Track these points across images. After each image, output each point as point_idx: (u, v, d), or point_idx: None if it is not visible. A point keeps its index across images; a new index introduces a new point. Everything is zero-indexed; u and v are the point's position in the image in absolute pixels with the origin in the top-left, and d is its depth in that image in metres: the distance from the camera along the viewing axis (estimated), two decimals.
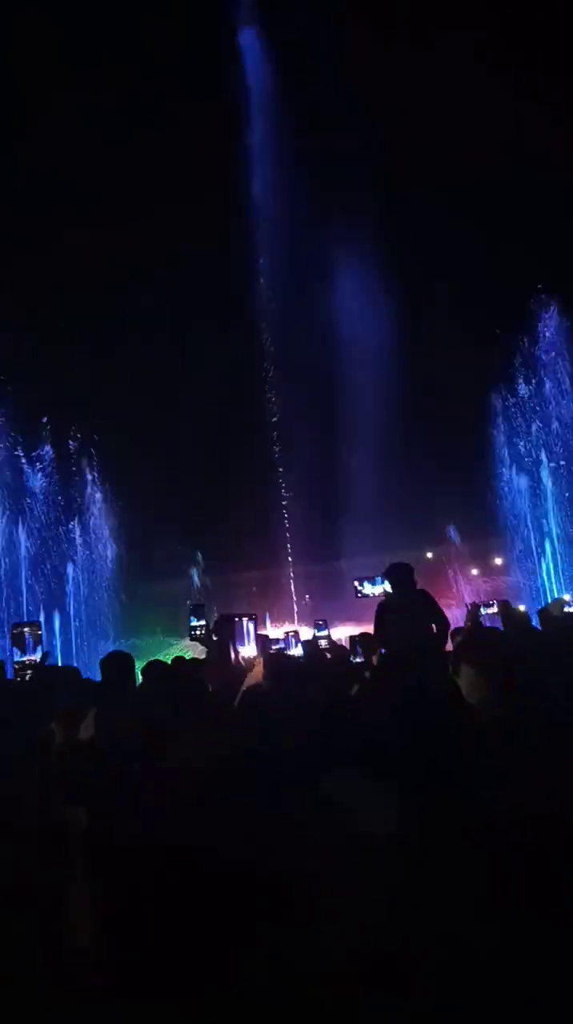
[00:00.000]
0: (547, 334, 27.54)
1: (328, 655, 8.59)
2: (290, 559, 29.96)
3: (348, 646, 8.84)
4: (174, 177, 31.97)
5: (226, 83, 31.06)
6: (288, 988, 1.79)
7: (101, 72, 32.25)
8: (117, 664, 5.26)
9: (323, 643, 9.48)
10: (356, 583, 11.90)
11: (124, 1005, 2.04)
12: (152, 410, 31.14)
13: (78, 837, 3.75)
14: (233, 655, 6.78)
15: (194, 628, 7.69)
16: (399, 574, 7.14)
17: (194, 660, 7.27)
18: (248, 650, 7.27)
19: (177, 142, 30.95)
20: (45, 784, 3.68)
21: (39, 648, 9.89)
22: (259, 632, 8.06)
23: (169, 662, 6.44)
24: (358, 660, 7.47)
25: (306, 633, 12.07)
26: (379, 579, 9.96)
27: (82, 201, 30.44)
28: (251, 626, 7.56)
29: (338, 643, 9.76)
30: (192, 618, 7.76)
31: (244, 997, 1.79)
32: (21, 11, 28.97)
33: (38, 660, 9.26)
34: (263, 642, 7.91)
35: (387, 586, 7.50)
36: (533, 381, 27.93)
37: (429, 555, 32.38)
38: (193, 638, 7.76)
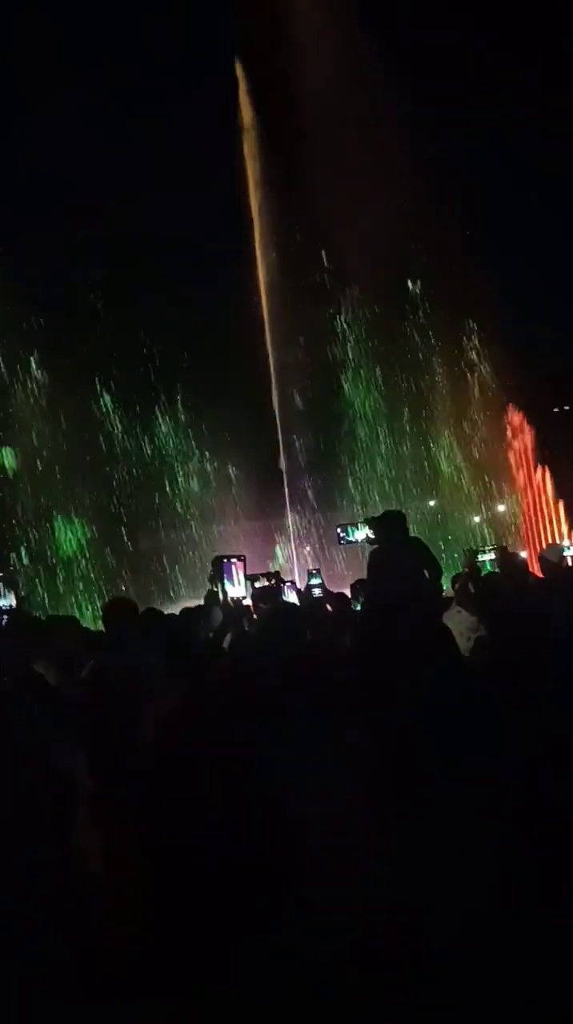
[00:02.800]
0: None
1: (329, 606, 8.64)
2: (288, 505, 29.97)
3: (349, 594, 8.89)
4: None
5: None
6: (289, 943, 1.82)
7: None
8: (119, 613, 5.25)
9: (317, 592, 9.52)
10: (339, 529, 11.97)
11: (129, 945, 2.08)
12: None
13: (78, 783, 3.79)
14: (222, 596, 6.85)
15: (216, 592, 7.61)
16: (391, 522, 7.14)
17: (187, 609, 7.33)
18: (236, 590, 7.33)
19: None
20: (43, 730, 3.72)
21: (10, 593, 9.74)
22: (249, 574, 8.10)
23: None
24: (359, 608, 7.52)
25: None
26: (363, 525, 9.99)
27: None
28: (240, 567, 7.61)
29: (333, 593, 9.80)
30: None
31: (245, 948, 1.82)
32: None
33: (14, 606, 9.24)
34: (256, 591, 7.94)
35: (369, 532, 7.56)
36: None
37: (431, 503, 32.45)
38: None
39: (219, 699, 2.88)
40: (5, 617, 8.13)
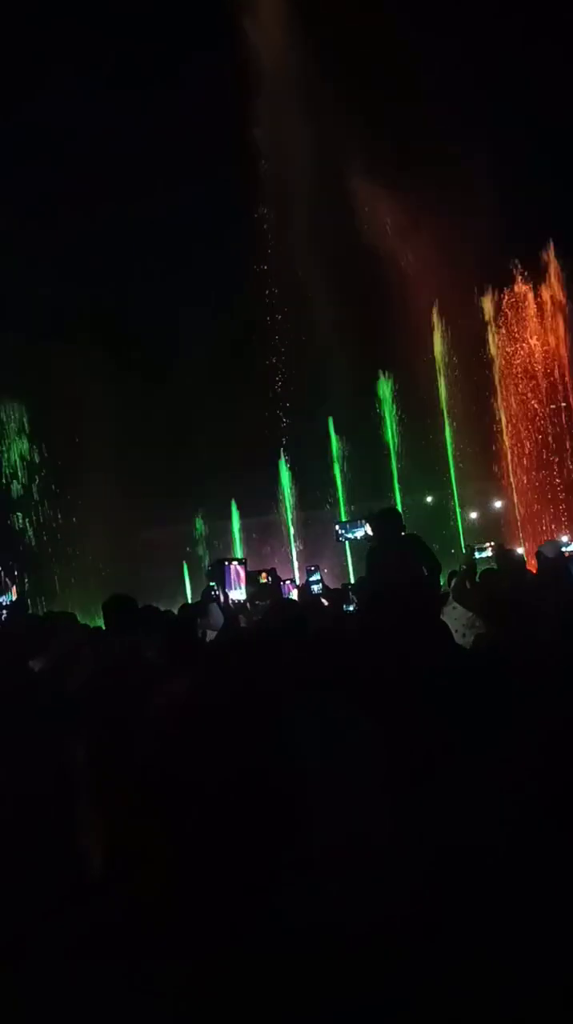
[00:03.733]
0: None
1: (325, 601, 8.70)
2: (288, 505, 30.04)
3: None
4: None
5: None
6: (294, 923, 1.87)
7: None
8: (118, 607, 5.29)
9: (316, 588, 9.60)
10: (337, 527, 12.07)
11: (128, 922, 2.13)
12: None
13: (80, 771, 3.84)
14: (222, 597, 6.91)
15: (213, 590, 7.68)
16: (388, 519, 7.19)
17: (186, 605, 7.40)
18: (237, 593, 7.41)
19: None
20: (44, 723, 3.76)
21: (11, 589, 9.82)
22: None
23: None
24: (351, 608, 7.57)
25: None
26: (361, 524, 10.07)
27: None
28: (241, 570, 7.70)
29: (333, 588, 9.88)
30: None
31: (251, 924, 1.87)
32: None
33: (13, 602, 9.30)
34: (253, 589, 8.02)
35: (368, 529, 7.63)
36: None
37: (429, 499, 32.55)
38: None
39: (227, 688, 2.94)
40: (5, 612, 8.20)
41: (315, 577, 10.38)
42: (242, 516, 30.40)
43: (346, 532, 11.48)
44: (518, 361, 28.80)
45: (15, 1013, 1.90)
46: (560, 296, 27.68)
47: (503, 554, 9.11)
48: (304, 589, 9.79)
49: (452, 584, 6.97)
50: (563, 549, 9.36)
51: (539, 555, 7.64)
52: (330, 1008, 1.75)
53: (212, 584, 7.12)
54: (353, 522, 11.38)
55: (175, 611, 7.11)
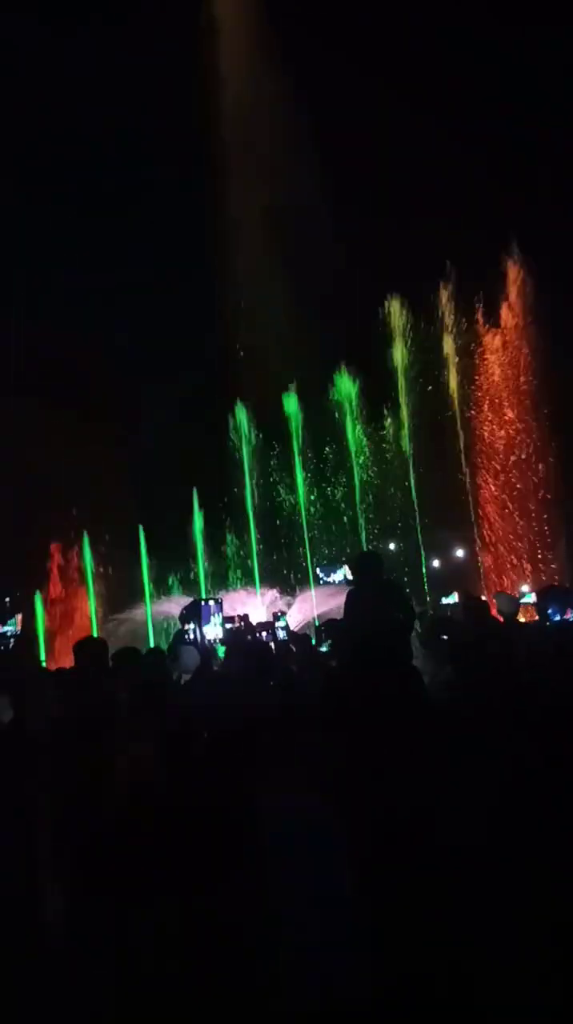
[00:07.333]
0: None
1: (293, 647, 8.72)
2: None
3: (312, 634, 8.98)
4: None
5: None
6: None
7: None
8: (89, 651, 5.27)
9: (282, 633, 9.64)
10: (318, 570, 12.19)
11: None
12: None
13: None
14: (199, 637, 6.93)
15: (187, 632, 7.73)
16: (367, 563, 7.24)
17: (152, 650, 7.37)
18: (212, 630, 7.45)
19: None
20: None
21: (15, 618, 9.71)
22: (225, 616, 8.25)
23: None
24: (323, 649, 7.61)
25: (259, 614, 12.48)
26: (340, 567, 10.22)
27: None
28: (215, 608, 7.76)
29: (299, 632, 9.93)
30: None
31: None
32: None
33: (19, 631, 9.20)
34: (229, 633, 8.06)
35: (347, 573, 7.74)
36: None
37: (392, 547, 32.71)
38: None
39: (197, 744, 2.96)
40: (11, 640, 8.11)
41: (281, 623, 10.44)
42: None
43: (325, 576, 11.61)
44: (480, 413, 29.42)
45: None
46: (524, 349, 28.37)
47: (469, 601, 9.24)
48: (271, 634, 9.82)
49: (418, 630, 7.05)
50: (522, 601, 9.57)
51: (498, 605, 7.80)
52: None
53: (186, 628, 7.13)
54: (331, 565, 11.52)
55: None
